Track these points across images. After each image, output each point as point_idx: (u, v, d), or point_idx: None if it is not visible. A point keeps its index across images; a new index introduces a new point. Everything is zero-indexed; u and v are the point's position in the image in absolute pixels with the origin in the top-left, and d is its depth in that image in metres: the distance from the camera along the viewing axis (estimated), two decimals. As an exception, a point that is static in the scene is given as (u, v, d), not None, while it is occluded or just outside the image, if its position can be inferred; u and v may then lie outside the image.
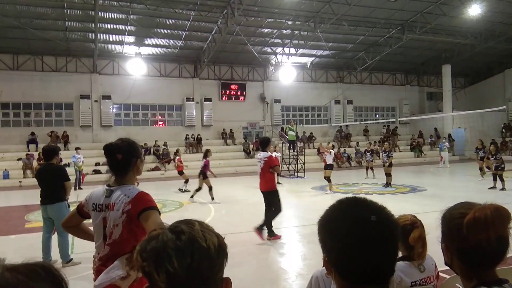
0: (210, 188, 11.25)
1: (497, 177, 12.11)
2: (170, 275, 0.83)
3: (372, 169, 16.42)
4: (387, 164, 13.74)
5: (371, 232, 0.92)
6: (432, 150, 26.60)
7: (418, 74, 30.42)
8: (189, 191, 12.50)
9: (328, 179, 12.44)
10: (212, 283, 0.88)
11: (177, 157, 13.96)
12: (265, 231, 6.79)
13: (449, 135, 25.25)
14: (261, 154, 7.10)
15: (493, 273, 1.12)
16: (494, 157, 12.40)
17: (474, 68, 30.36)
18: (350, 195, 1.17)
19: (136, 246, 2.11)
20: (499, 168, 12.09)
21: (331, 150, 12.91)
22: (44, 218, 5.82)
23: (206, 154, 11.71)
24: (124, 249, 2.08)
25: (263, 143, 7.27)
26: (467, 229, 1.10)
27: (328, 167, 12.48)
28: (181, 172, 13.66)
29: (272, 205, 6.93)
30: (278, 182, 13.92)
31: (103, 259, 2.14)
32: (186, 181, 13.49)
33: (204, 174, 11.37)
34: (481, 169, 14.92)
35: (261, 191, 7.05)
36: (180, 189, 13.48)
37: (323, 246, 1.00)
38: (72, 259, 5.74)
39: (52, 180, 5.73)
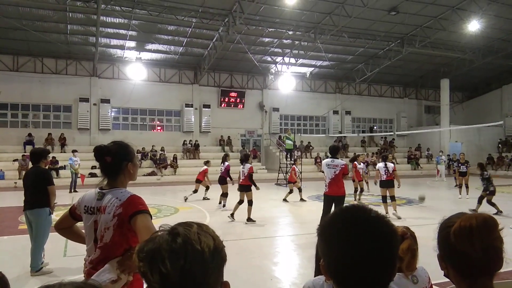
0: (226, 195, 11.09)
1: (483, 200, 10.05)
2: (163, 276, 0.84)
3: (366, 182, 14.99)
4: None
5: (367, 238, 0.91)
6: (429, 163, 26.68)
7: (417, 87, 30.61)
8: (209, 198, 12.51)
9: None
10: (206, 286, 0.87)
11: (205, 167, 12.79)
12: None
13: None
14: (337, 161, 7.14)
15: (486, 283, 1.11)
16: (481, 177, 10.40)
17: (472, 83, 30.57)
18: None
19: (127, 250, 2.09)
20: (488, 192, 10.11)
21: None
22: (27, 224, 5.48)
23: (226, 158, 11.32)
24: (115, 253, 2.07)
25: (334, 151, 7.27)
26: (454, 238, 1.11)
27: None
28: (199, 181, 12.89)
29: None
30: (302, 199, 13.21)
31: (94, 262, 2.12)
32: (207, 188, 12.82)
33: (223, 179, 11.08)
34: (460, 185, 13.74)
35: (333, 196, 7.03)
36: (204, 198, 12.90)
37: (321, 252, 0.99)
38: (42, 268, 5.37)
39: (34, 184, 5.32)
